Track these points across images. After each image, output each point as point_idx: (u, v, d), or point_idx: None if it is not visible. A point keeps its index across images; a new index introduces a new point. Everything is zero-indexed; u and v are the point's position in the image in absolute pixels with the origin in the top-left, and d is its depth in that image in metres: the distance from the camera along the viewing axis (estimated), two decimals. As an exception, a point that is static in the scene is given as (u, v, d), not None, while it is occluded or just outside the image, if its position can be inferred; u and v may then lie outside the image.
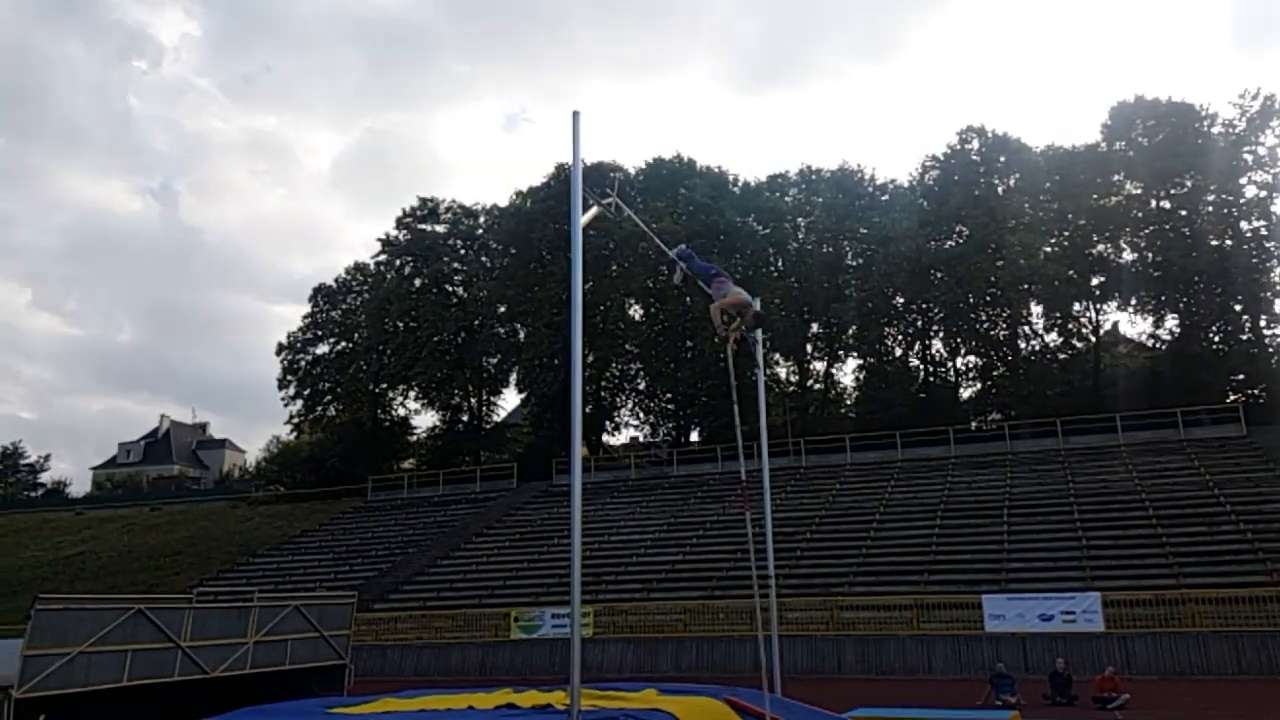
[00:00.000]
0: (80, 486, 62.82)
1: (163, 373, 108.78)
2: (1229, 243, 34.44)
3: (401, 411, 48.02)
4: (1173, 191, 35.43)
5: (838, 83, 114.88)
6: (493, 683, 17.31)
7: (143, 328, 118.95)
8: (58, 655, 9.66)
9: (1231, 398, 33.80)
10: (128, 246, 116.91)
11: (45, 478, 61.16)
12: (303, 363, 47.72)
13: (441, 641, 24.25)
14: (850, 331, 40.67)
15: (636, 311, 42.65)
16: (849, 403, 43.32)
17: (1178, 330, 35.79)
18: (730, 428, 37.57)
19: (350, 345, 47.44)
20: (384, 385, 46.46)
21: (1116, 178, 36.43)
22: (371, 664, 22.76)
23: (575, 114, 7.03)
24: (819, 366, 42.79)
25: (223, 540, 38.82)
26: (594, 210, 7.51)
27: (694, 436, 42.60)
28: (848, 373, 43.35)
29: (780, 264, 41.43)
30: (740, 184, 43.37)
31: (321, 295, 48.88)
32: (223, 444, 72.04)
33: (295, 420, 48.10)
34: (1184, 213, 35.14)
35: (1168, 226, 35.10)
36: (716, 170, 43.99)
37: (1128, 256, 36.77)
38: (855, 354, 41.63)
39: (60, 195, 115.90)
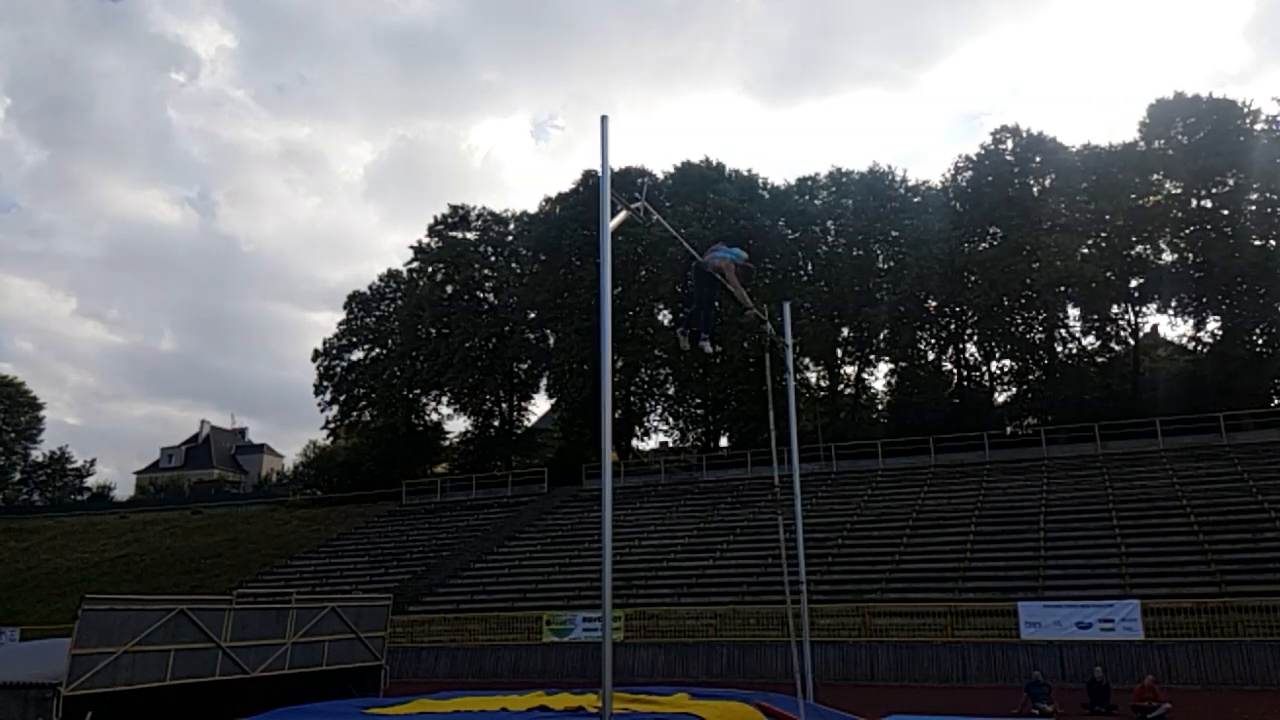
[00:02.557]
0: (124, 490, 64.70)
1: (203, 379, 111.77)
2: (1273, 242, 33.41)
3: (434, 417, 48.81)
4: (1214, 190, 34.49)
5: (868, 86, 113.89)
6: (525, 685, 17.50)
7: (183, 335, 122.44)
8: (104, 654, 9.90)
9: (1276, 401, 32.72)
10: (168, 255, 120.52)
11: (91, 482, 62.99)
12: (338, 369, 48.71)
13: (475, 644, 24.55)
14: (881, 335, 40.22)
15: (665, 316, 42.72)
16: (881, 407, 42.82)
17: (1220, 332, 34.78)
18: (759, 433, 37.25)
19: (384, 351, 48.28)
20: (417, 391, 47.18)
21: (1155, 177, 35.58)
22: (406, 665, 23.13)
23: (604, 118, 7.15)
24: (850, 371, 42.43)
25: (262, 543, 39.75)
26: (622, 215, 7.62)
27: (723, 442, 42.48)
28: (879, 377, 42.94)
29: (810, 268, 41.16)
30: (769, 187, 43.22)
31: (356, 302, 49.85)
32: (261, 449, 73.65)
33: (331, 425, 49.09)
34: (1226, 212, 34.18)
35: (1209, 226, 34.18)
36: (746, 174, 43.89)
37: (1167, 257, 35.86)
38: (887, 358, 41.17)
39: (102, 205, 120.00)
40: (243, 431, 76.68)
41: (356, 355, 48.96)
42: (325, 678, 13.06)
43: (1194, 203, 34.98)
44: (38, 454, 60.80)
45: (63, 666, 9.55)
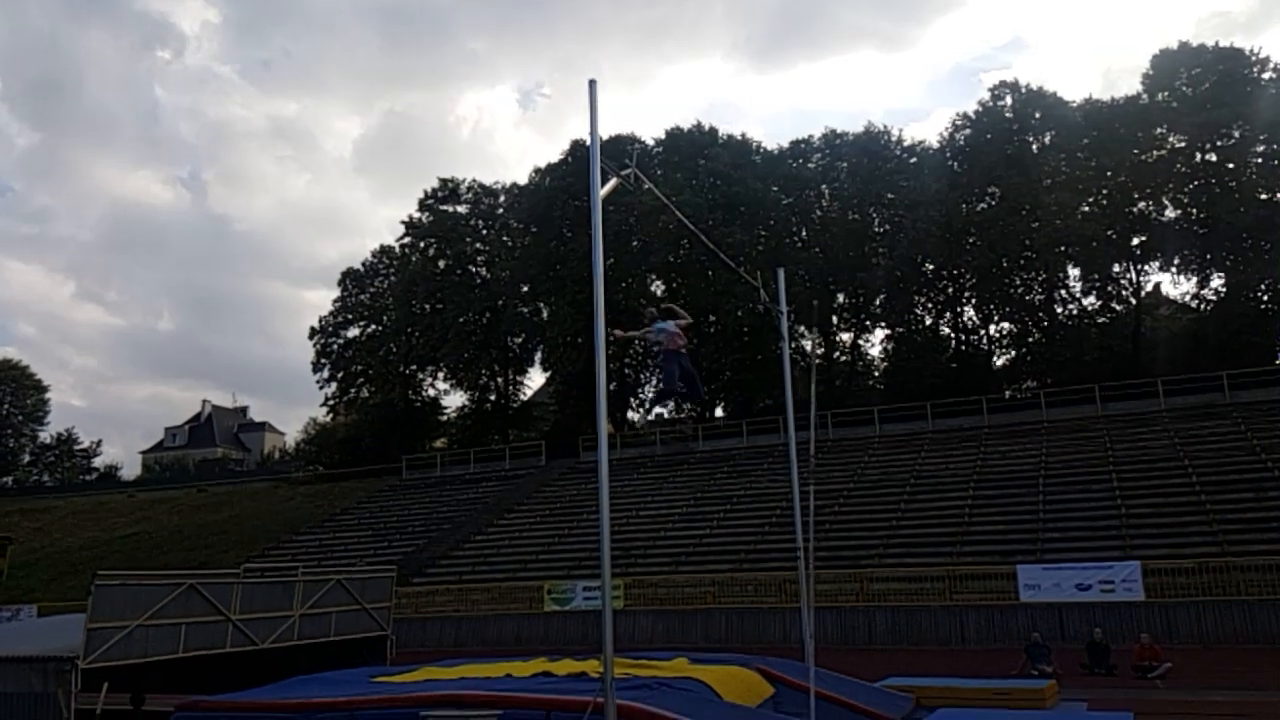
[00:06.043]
0: (131, 470, 65.37)
1: (202, 359, 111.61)
2: (1279, 195, 32.97)
3: (431, 392, 48.87)
4: (1219, 143, 33.90)
5: (861, 46, 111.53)
6: (528, 653, 17.74)
7: (181, 316, 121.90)
8: (118, 628, 10.15)
9: (1281, 358, 32.63)
10: (162, 236, 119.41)
11: (98, 462, 63.70)
12: (335, 346, 48.64)
13: (478, 614, 24.90)
14: (878, 301, 39.97)
15: (658, 287, 42.41)
16: (877, 374, 42.78)
17: (1224, 290, 34.51)
18: (754, 402, 37.08)
19: (380, 328, 48.17)
20: (413, 366, 47.19)
21: (1159, 131, 34.95)
22: (412, 635, 23.45)
23: (592, 83, 6.92)
24: (846, 338, 42.27)
25: (266, 519, 40.14)
26: (613, 182, 7.44)
27: (719, 412, 42.51)
28: (876, 343, 42.78)
29: (804, 234, 40.70)
30: (762, 152, 42.51)
31: (350, 279, 49.58)
32: (263, 427, 74.00)
33: (330, 402, 49.19)
34: (1231, 165, 33.65)
35: (1213, 180, 33.67)
36: (739, 138, 43.18)
37: (1170, 213, 35.41)
38: (883, 324, 40.97)
39: (96, 187, 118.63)
40: (244, 410, 76.97)
41: (352, 332, 48.87)
42: (333, 648, 13.26)
43: (1198, 156, 34.42)
44: (45, 436, 61.45)
45: (79, 640, 9.75)
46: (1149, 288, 37.88)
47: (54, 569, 37.99)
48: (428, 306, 45.73)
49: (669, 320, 8.37)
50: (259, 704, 8.33)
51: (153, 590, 10.83)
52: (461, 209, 48.36)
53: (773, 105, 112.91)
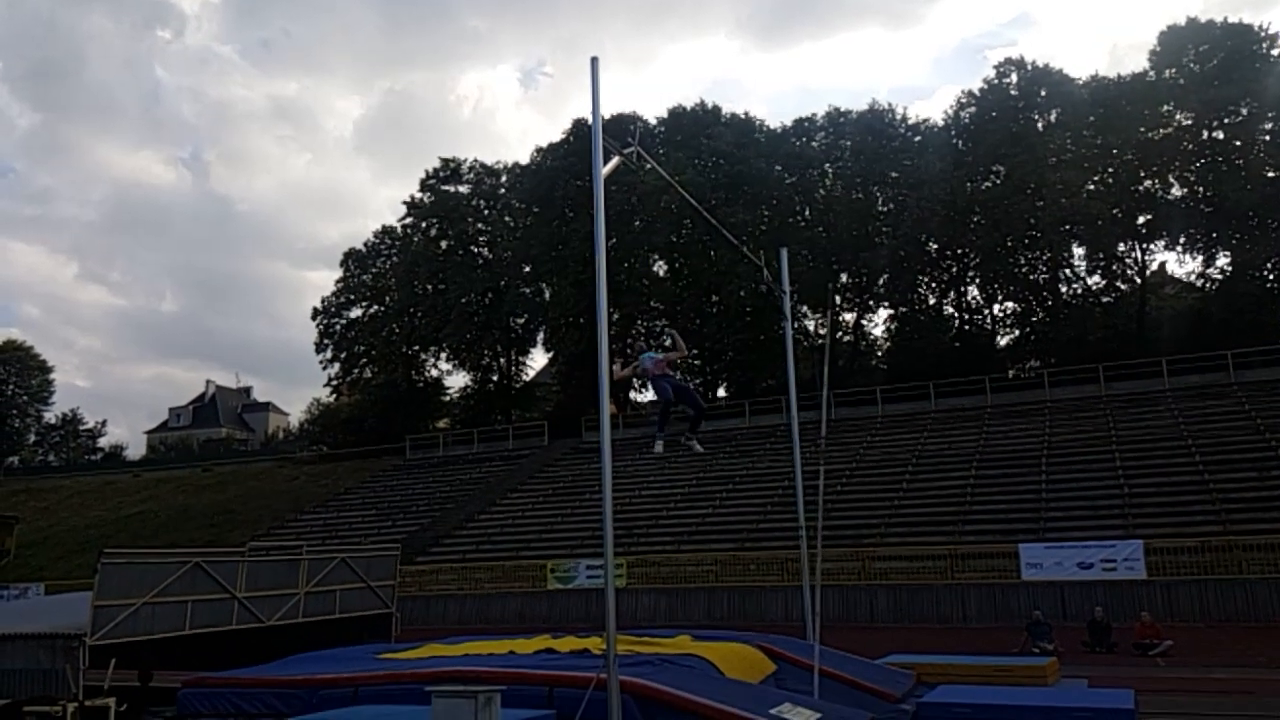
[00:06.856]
0: (136, 450, 65.65)
1: (206, 340, 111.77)
2: (1287, 174, 32.60)
3: (434, 373, 48.88)
4: (1226, 121, 33.50)
5: (866, 24, 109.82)
6: (532, 630, 17.91)
7: (185, 296, 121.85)
8: (124, 605, 10.27)
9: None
10: (165, 217, 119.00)
11: (103, 442, 64.09)
12: (338, 327, 48.64)
13: (482, 592, 25.12)
14: (881, 280, 39.75)
15: (661, 267, 42.20)
16: (880, 354, 42.68)
17: (1229, 268, 34.29)
18: (756, 382, 37.09)
19: (382, 308, 48.11)
20: (416, 347, 47.19)
21: (1166, 108, 34.51)
22: (416, 613, 23.67)
23: (594, 60, 6.83)
24: (849, 318, 42.10)
25: (271, 498, 40.38)
26: (615, 160, 7.35)
27: (721, 393, 42.52)
28: (879, 323, 42.62)
29: (807, 213, 40.36)
30: (765, 130, 42.04)
31: (352, 260, 49.43)
32: (266, 407, 74.22)
33: (334, 383, 49.28)
34: (1238, 143, 33.27)
35: (1220, 158, 33.30)
36: (742, 117, 42.68)
37: (1176, 192, 35.06)
38: (887, 304, 40.80)
39: (97, 168, 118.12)
40: (248, 390, 77.14)
41: (355, 313, 48.85)
42: (338, 625, 13.41)
43: (1205, 134, 34.02)
44: (50, 416, 61.77)
45: (86, 618, 9.85)
46: (1154, 267, 37.76)
47: (61, 548, 38.34)
48: (430, 287, 45.63)
49: (657, 351, 9.40)
50: (265, 680, 8.41)
51: (159, 568, 10.94)
52: (463, 189, 48.08)
53: (776, 83, 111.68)
